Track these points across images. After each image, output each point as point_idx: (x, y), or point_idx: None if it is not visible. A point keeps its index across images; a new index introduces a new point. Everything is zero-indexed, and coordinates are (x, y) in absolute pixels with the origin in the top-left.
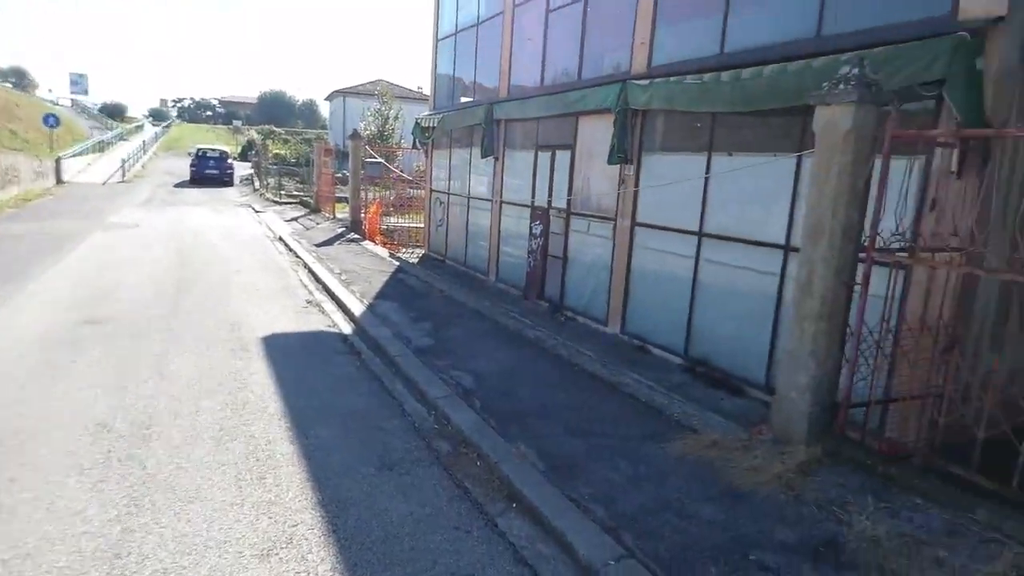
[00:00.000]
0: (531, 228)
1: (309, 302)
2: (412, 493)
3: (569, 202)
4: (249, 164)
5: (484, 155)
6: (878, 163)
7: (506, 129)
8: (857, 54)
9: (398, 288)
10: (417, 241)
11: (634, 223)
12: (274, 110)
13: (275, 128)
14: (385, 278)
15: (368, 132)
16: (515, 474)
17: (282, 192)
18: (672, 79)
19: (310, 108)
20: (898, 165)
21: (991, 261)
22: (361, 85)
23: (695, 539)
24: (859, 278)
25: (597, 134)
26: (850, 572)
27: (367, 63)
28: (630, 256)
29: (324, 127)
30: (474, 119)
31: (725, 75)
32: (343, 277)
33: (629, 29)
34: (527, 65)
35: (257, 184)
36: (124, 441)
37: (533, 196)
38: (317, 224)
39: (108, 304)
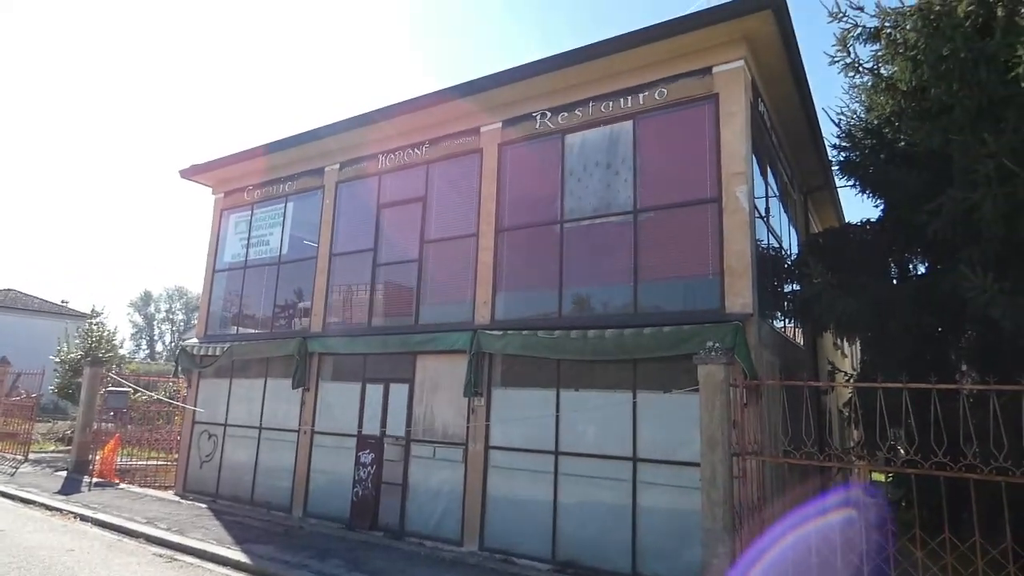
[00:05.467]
0: (358, 457)
1: (159, 556)
2: None
3: (408, 431)
4: None
5: (296, 386)
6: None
7: (320, 362)
8: (703, 328)
9: (245, 531)
10: (157, 482)
11: (487, 446)
12: None
13: None
14: (214, 521)
15: (70, 356)
16: None
17: None
18: (525, 332)
19: None
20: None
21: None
22: None
23: None
24: (736, 472)
25: (441, 369)
26: None
27: None
28: (485, 475)
29: None
30: (282, 350)
31: (573, 333)
32: (162, 526)
33: (470, 292)
34: (348, 305)
35: None
36: None
37: (360, 426)
38: (16, 468)
39: None
